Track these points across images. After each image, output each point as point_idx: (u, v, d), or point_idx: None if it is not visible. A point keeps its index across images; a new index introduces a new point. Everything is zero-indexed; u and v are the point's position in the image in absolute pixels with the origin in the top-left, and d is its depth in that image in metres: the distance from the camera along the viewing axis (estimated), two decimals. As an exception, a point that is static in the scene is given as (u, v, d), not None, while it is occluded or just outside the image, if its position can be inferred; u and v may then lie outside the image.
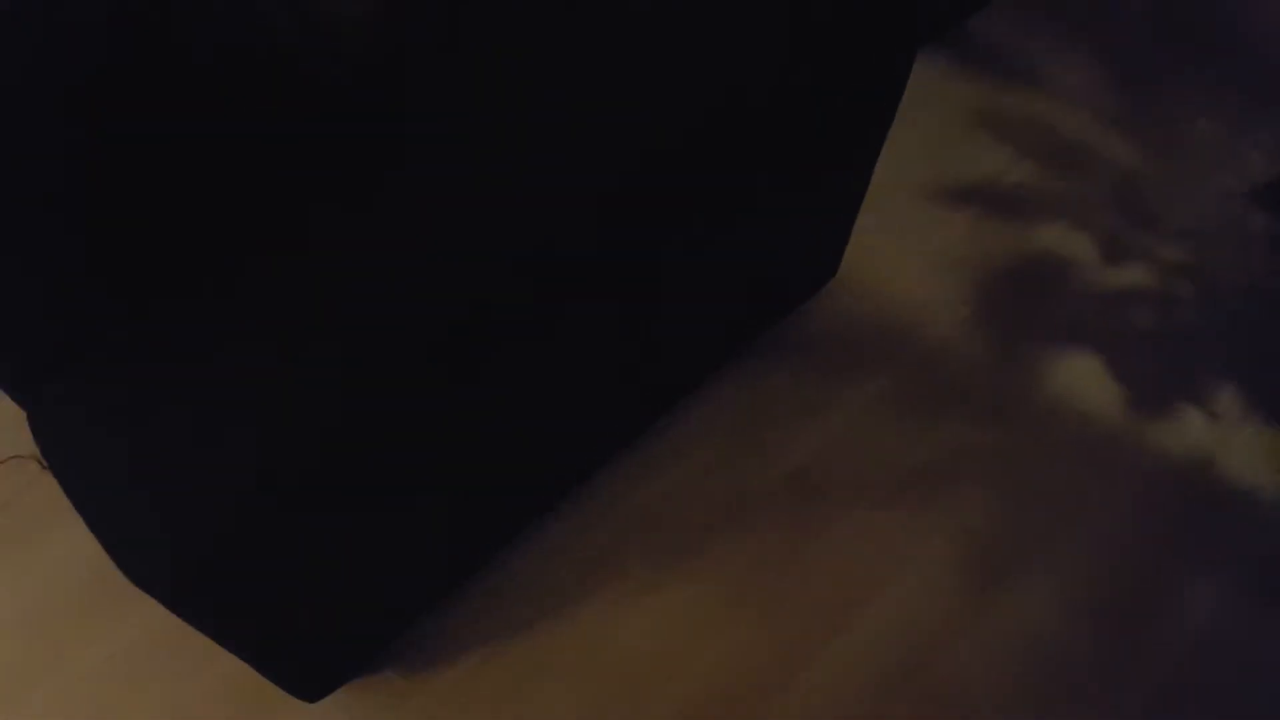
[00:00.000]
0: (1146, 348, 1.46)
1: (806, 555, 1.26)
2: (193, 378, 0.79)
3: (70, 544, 1.28)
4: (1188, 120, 1.73)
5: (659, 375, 1.23)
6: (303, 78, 0.82)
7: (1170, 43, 1.84)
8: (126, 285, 0.82)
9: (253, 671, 1.06)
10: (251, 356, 0.79)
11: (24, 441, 1.34)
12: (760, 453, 1.34)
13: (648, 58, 0.96)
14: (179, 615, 0.84)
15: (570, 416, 1.11)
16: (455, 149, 0.92)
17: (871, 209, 1.56)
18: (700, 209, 1.02)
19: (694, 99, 0.94)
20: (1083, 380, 1.43)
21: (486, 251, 0.85)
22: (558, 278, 0.89)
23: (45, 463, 0.81)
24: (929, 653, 1.19)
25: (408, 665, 1.17)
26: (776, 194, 1.14)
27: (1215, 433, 1.38)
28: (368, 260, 0.84)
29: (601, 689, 1.15)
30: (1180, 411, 1.41)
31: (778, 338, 1.44)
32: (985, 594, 1.24)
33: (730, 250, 1.14)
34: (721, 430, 1.36)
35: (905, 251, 1.55)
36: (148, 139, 0.77)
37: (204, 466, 0.74)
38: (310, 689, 1.08)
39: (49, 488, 1.32)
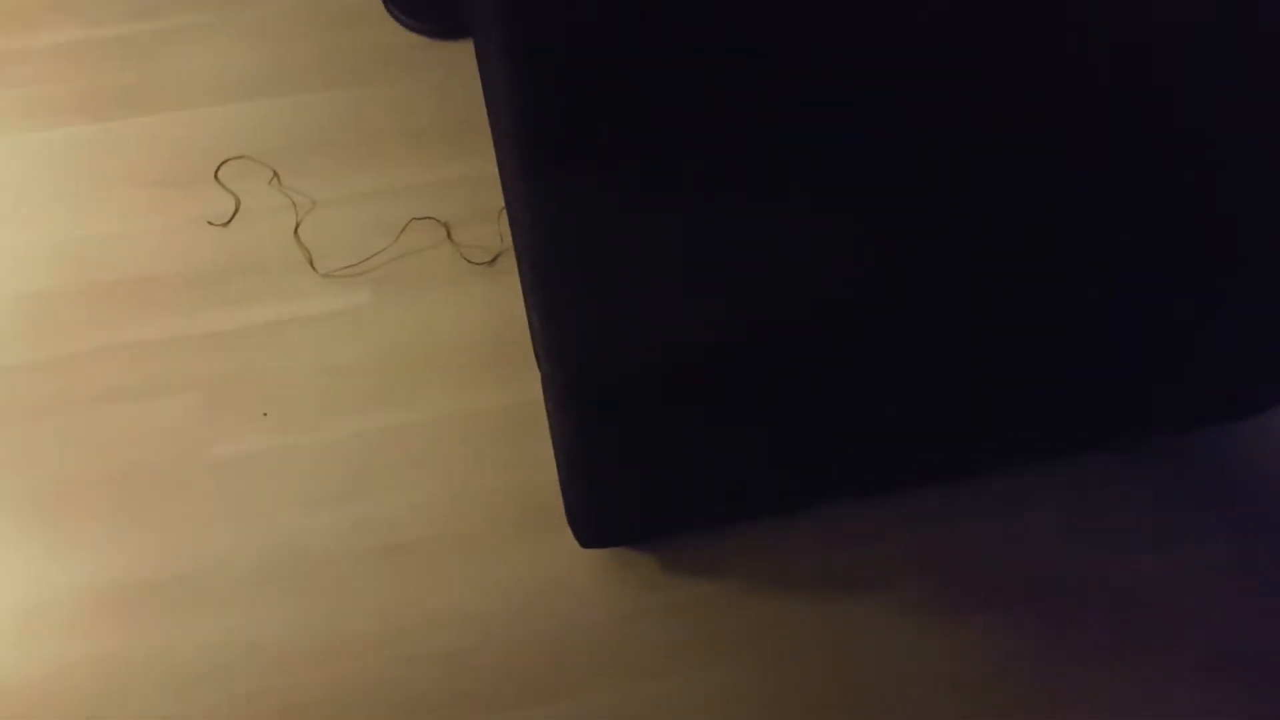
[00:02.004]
0: None
1: (1094, 677, 1.12)
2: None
3: (447, 306, 1.40)
4: None
5: (1051, 414, 1.12)
6: None
7: None
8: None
9: (550, 499, 1.13)
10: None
11: (436, 207, 1.48)
12: (1100, 554, 1.20)
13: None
14: (563, 406, 0.88)
15: (941, 408, 1.04)
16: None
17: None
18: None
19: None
20: None
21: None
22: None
23: (510, 228, 0.81)
24: None
25: (673, 563, 1.18)
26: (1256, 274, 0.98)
27: None
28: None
29: (805, 686, 1.11)
30: None
31: (1176, 445, 1.27)
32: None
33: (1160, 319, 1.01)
34: (1072, 508, 1.23)
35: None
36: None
37: (708, 279, 0.73)
38: (591, 536, 1.13)
39: (448, 254, 1.46)
